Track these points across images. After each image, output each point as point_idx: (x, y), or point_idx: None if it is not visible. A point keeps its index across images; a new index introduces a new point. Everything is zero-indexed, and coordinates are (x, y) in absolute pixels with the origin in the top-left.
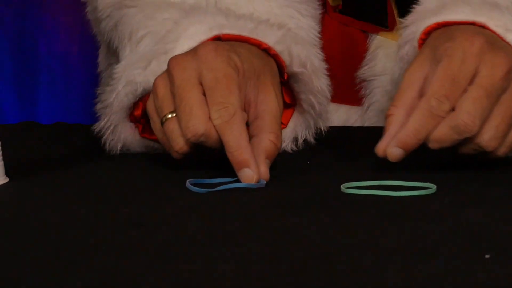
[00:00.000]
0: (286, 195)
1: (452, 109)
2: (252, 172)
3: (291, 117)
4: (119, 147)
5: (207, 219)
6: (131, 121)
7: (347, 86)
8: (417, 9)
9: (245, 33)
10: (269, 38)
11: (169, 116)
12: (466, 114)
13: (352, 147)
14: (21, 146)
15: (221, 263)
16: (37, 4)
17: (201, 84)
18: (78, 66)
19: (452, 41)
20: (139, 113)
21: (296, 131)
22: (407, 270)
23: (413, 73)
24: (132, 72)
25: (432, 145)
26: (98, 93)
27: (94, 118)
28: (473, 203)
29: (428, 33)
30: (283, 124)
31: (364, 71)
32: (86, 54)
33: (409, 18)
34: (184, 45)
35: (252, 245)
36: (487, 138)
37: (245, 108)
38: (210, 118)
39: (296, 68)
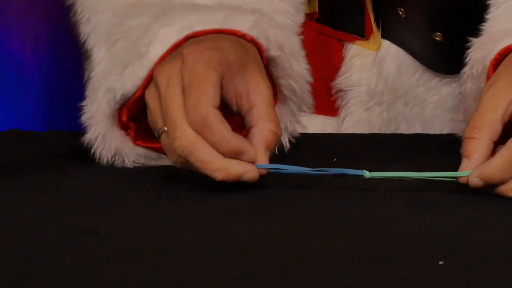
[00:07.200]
0: (242, 201)
1: None
2: (252, 158)
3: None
4: (109, 156)
5: (162, 226)
6: (121, 128)
7: (323, 96)
8: (489, 31)
9: (216, 25)
10: (242, 25)
11: (165, 129)
12: None
13: (323, 154)
14: None
15: (174, 270)
16: None
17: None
18: (31, 72)
19: None
20: (125, 119)
21: (284, 121)
22: (359, 276)
23: (497, 97)
24: (110, 79)
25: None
26: (83, 105)
27: (47, 125)
28: (425, 209)
29: (503, 55)
30: None
31: (340, 81)
32: (40, 61)
33: (478, 40)
34: (157, 49)
35: (206, 251)
36: None
37: (237, 100)
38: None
39: (273, 52)
